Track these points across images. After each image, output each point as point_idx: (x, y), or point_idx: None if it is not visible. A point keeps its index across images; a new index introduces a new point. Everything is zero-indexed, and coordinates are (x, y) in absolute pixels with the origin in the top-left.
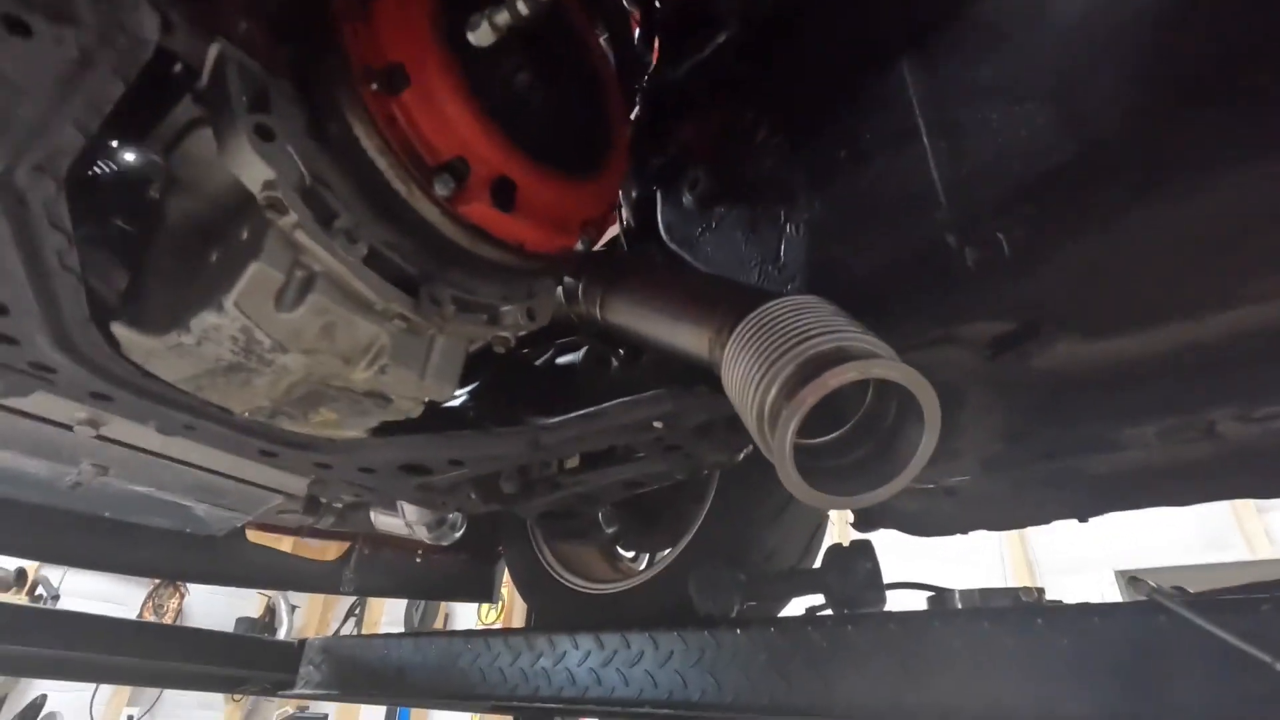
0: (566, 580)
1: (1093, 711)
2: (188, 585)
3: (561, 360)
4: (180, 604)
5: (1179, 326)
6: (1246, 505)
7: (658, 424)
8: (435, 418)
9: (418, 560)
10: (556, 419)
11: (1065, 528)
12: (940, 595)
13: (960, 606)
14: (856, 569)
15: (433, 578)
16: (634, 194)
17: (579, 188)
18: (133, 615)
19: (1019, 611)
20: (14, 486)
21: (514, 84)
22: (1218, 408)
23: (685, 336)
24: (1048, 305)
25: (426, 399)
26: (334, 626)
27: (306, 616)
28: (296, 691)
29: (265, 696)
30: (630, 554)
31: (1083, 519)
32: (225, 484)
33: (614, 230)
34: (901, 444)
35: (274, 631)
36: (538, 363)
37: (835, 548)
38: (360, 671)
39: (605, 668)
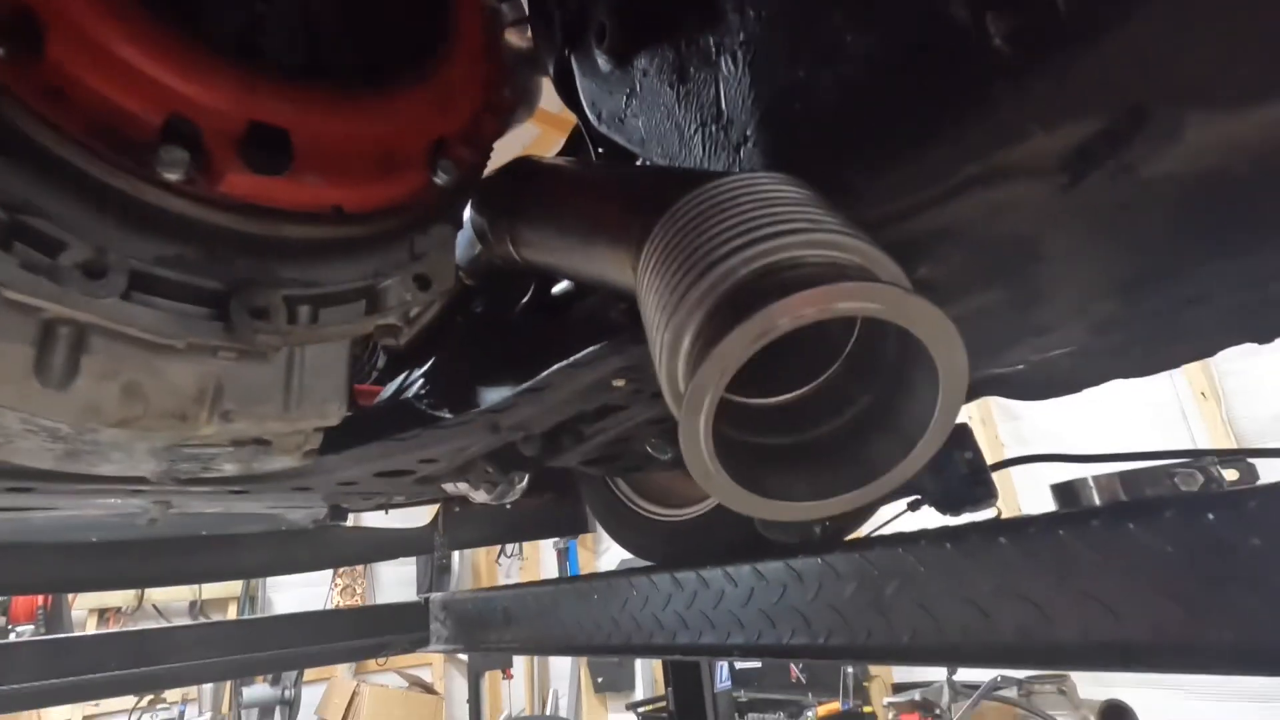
0: (642, 509)
1: None
2: None
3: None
4: (365, 571)
5: None
6: None
7: (618, 382)
8: (388, 416)
9: (507, 507)
10: (506, 398)
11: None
12: (1070, 489)
13: (1098, 502)
14: (954, 462)
15: (523, 520)
16: (550, 66)
17: (404, 99)
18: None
19: (1187, 506)
20: (107, 531)
21: None
22: None
23: (603, 262)
24: (1157, 74)
25: (313, 428)
26: (501, 562)
27: (474, 554)
28: (433, 648)
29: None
30: None
31: (1266, 339)
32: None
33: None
34: (904, 410)
35: (449, 573)
36: (516, 314)
37: None
38: (476, 622)
39: (689, 610)
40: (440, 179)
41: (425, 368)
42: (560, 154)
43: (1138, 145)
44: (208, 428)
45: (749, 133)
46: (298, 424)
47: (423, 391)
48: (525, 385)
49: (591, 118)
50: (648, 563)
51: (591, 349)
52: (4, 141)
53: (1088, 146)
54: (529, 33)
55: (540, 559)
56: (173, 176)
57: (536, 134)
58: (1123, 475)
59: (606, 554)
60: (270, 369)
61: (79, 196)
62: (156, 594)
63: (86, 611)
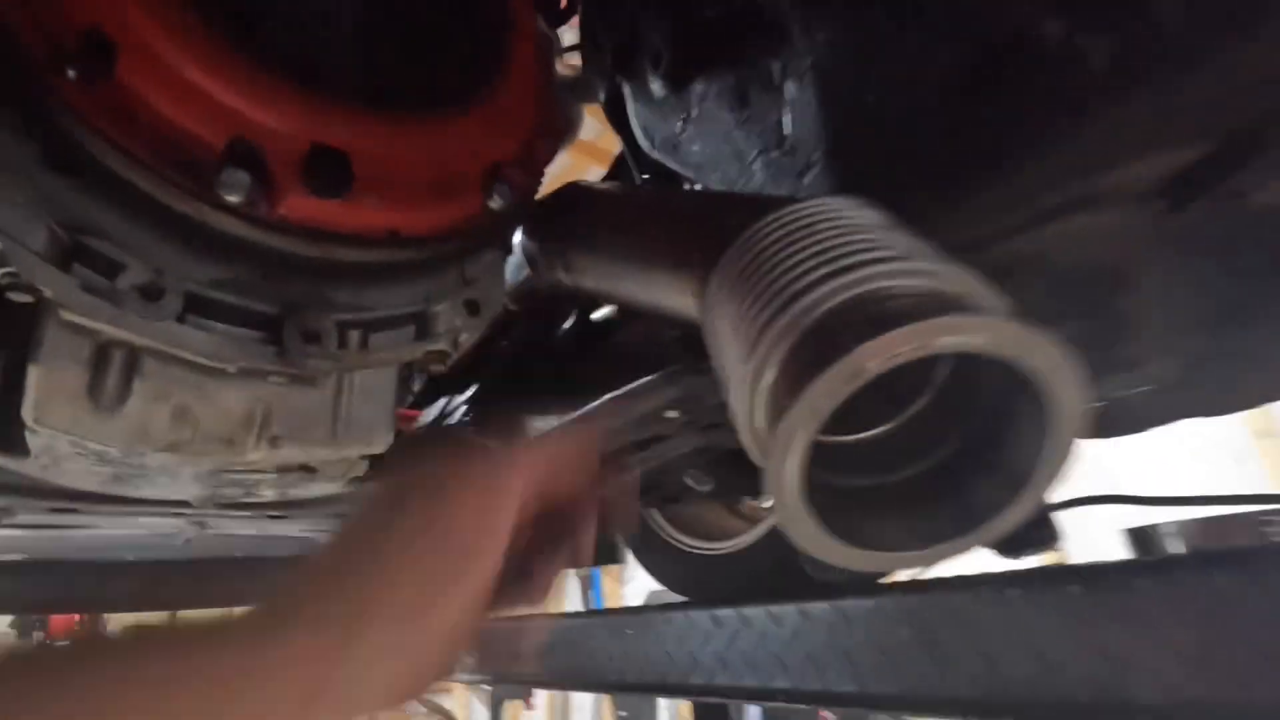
0: (677, 540)
1: None
2: None
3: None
4: None
5: None
6: None
7: (671, 413)
8: (432, 443)
9: None
10: (547, 429)
11: None
12: (1144, 535)
13: (1175, 549)
14: None
15: None
16: (601, 95)
17: (462, 123)
18: None
19: (1271, 555)
20: (142, 550)
21: None
22: None
23: (663, 290)
24: (1271, 98)
25: (359, 455)
26: None
27: None
28: (459, 676)
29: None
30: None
31: None
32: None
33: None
34: (1006, 449)
35: None
36: (558, 339)
37: None
38: (504, 654)
39: (729, 649)
40: (495, 203)
41: (468, 394)
42: (605, 180)
43: (1247, 173)
44: (255, 453)
45: (814, 158)
46: (344, 451)
47: (466, 419)
48: (576, 414)
49: (644, 143)
50: (679, 595)
51: (648, 379)
52: (71, 163)
53: (1189, 173)
54: (574, 57)
55: (563, 586)
56: (233, 199)
57: (568, 163)
58: (1206, 523)
59: (632, 583)
60: (319, 395)
61: (139, 218)
62: (188, 615)
63: (122, 627)
